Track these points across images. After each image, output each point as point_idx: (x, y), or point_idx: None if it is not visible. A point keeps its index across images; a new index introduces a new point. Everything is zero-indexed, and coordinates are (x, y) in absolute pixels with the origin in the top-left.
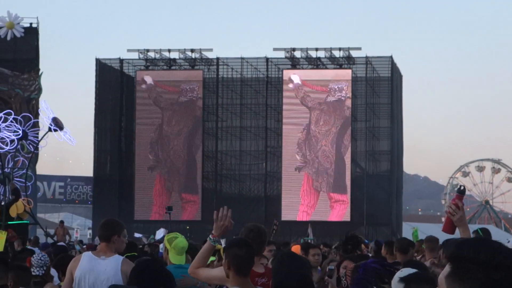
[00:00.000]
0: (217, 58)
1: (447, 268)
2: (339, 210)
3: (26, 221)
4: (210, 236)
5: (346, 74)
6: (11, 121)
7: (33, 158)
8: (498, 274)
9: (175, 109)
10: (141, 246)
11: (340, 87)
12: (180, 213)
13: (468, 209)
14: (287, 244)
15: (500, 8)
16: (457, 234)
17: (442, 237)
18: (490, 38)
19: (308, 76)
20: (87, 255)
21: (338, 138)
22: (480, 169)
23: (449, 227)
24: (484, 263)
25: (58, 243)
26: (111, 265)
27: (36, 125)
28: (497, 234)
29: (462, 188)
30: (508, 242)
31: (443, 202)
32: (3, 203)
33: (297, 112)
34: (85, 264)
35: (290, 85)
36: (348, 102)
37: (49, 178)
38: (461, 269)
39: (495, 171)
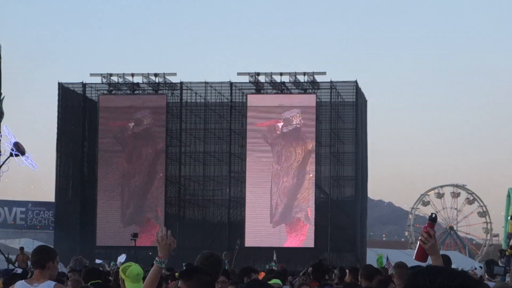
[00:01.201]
0: (181, 83)
1: None
2: (302, 236)
3: None
4: (157, 258)
5: (307, 99)
6: None
7: None
8: None
9: (138, 135)
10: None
11: (292, 115)
12: (143, 239)
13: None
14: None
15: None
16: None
17: (410, 263)
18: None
19: (260, 102)
20: (20, 284)
21: (299, 170)
22: (440, 195)
23: (421, 255)
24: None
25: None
26: None
27: None
28: (462, 260)
29: (434, 215)
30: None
31: (406, 233)
32: None
33: (261, 142)
34: None
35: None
36: (305, 129)
37: (10, 204)
38: None
39: (455, 195)
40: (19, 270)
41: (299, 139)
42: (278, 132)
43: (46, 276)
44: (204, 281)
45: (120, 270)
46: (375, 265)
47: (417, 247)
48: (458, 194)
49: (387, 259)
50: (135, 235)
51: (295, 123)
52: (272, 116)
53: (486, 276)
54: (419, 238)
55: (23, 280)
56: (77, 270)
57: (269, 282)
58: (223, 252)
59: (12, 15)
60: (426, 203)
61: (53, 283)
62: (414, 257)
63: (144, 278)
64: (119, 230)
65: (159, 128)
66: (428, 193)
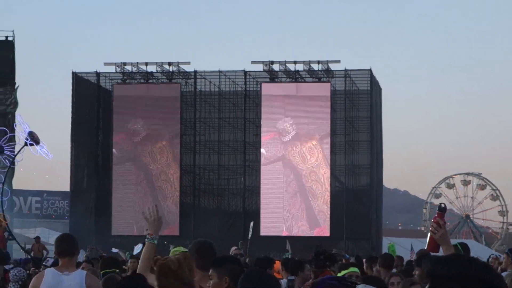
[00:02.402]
0: (195, 72)
1: (427, 285)
2: (318, 225)
3: None
4: (147, 235)
5: (321, 87)
6: None
7: (9, 172)
8: (472, 286)
9: (152, 123)
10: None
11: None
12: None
13: (448, 224)
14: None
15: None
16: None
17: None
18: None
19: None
20: (50, 271)
21: (314, 159)
22: (450, 186)
23: (433, 246)
24: (457, 278)
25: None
26: (76, 280)
27: (12, 139)
28: (478, 249)
29: (442, 205)
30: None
31: (422, 228)
32: None
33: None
34: (49, 281)
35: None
36: (320, 116)
37: (25, 193)
38: (438, 285)
39: (480, 187)
40: (50, 261)
41: (314, 127)
42: (292, 122)
43: (74, 264)
44: (233, 269)
45: (170, 254)
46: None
47: (428, 238)
48: (484, 187)
49: (411, 247)
50: None
51: (309, 113)
52: (287, 107)
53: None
54: (429, 228)
55: (53, 268)
56: (95, 259)
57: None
58: (239, 242)
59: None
60: (438, 196)
61: (84, 272)
62: (425, 248)
63: None
64: (135, 219)
65: (173, 116)
66: (440, 186)
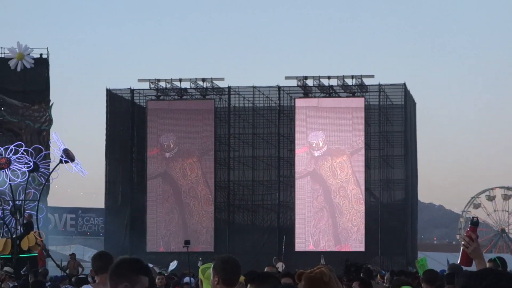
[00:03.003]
0: (229, 87)
1: None
2: (353, 241)
3: (35, 254)
4: None
5: (355, 102)
6: (22, 153)
7: (44, 190)
8: None
9: (186, 140)
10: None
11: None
12: (193, 244)
13: (484, 240)
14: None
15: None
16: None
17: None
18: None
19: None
20: None
21: (349, 174)
22: (491, 198)
23: (465, 260)
24: None
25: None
26: None
27: (47, 157)
28: None
29: (475, 219)
30: None
31: (458, 237)
32: (14, 236)
33: (310, 146)
34: None
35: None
36: (354, 132)
37: (60, 210)
38: None
39: (506, 197)
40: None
41: (348, 142)
42: (324, 136)
43: None
44: (275, 285)
45: (200, 271)
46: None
47: (460, 252)
48: (510, 196)
49: (447, 262)
50: (187, 243)
51: (344, 128)
52: (320, 121)
53: None
54: (462, 242)
55: (89, 285)
56: None
57: None
58: (273, 258)
59: (60, 22)
60: (477, 206)
61: None
62: (458, 262)
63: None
64: (169, 235)
65: (208, 133)
66: (479, 196)
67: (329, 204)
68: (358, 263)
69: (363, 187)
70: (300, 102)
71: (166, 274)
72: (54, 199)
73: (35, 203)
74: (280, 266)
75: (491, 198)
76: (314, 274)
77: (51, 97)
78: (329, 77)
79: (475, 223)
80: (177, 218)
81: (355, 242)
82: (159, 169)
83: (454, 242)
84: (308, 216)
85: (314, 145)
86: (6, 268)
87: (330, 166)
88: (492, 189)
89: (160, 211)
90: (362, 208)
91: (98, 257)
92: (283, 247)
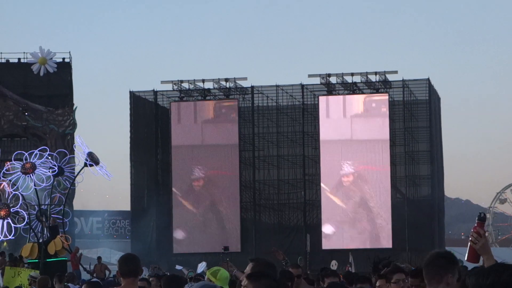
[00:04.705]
0: (252, 87)
1: None
2: (380, 237)
3: (64, 258)
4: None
5: (379, 98)
6: (47, 158)
7: (70, 194)
8: None
9: (211, 140)
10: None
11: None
12: (220, 244)
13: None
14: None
15: None
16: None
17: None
18: None
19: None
20: None
21: (374, 170)
22: None
23: (473, 256)
24: (494, 284)
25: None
26: None
27: (71, 160)
28: None
29: (482, 215)
30: None
31: (488, 215)
32: (41, 241)
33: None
34: None
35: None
36: (379, 128)
37: (86, 214)
38: None
39: None
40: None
41: (373, 139)
42: (350, 134)
43: (137, 284)
44: (270, 285)
45: (209, 274)
46: None
47: (468, 248)
48: None
49: None
50: (226, 248)
51: (368, 124)
52: (344, 118)
53: None
54: (469, 238)
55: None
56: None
57: None
58: (299, 257)
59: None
60: (503, 201)
61: None
62: (465, 259)
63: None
64: (196, 237)
65: (232, 133)
66: (505, 191)
67: (360, 199)
68: (385, 258)
69: (389, 184)
70: (323, 100)
71: (194, 276)
72: (80, 202)
73: (60, 207)
74: (334, 264)
75: None
76: None
77: (74, 101)
78: (352, 74)
79: (482, 218)
80: (203, 218)
81: (383, 239)
82: (185, 170)
83: None
84: (335, 214)
85: (339, 143)
86: (32, 273)
87: (359, 161)
88: None
89: (186, 212)
90: (388, 204)
91: (124, 260)
92: (307, 245)
